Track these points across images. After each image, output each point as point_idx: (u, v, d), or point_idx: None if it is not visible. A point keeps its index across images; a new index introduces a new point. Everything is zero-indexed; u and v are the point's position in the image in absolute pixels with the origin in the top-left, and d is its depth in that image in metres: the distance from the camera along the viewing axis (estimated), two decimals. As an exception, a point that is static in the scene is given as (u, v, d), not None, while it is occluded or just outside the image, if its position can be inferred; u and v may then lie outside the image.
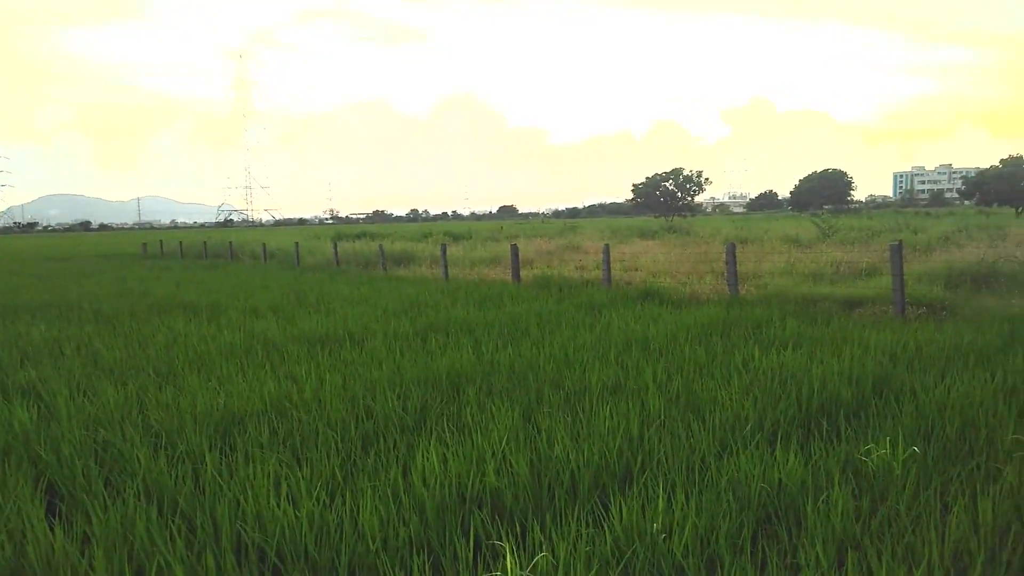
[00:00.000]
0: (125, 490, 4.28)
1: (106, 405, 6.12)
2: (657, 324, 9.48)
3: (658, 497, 3.81)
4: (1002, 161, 76.26)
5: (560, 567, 3.27)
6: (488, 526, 3.78)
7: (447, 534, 3.70)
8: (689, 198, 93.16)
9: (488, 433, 5.00)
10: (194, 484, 4.41)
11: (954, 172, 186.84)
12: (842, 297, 12.14)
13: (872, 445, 4.45)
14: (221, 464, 4.66)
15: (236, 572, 3.48)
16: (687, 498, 3.87)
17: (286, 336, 9.48)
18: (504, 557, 3.33)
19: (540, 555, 3.34)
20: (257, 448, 4.98)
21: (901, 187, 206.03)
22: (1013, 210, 70.03)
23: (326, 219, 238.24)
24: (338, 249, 26.38)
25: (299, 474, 4.41)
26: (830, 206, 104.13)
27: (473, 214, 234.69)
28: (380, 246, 25.01)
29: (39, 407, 6.20)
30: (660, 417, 5.38)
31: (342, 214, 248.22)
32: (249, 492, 4.07)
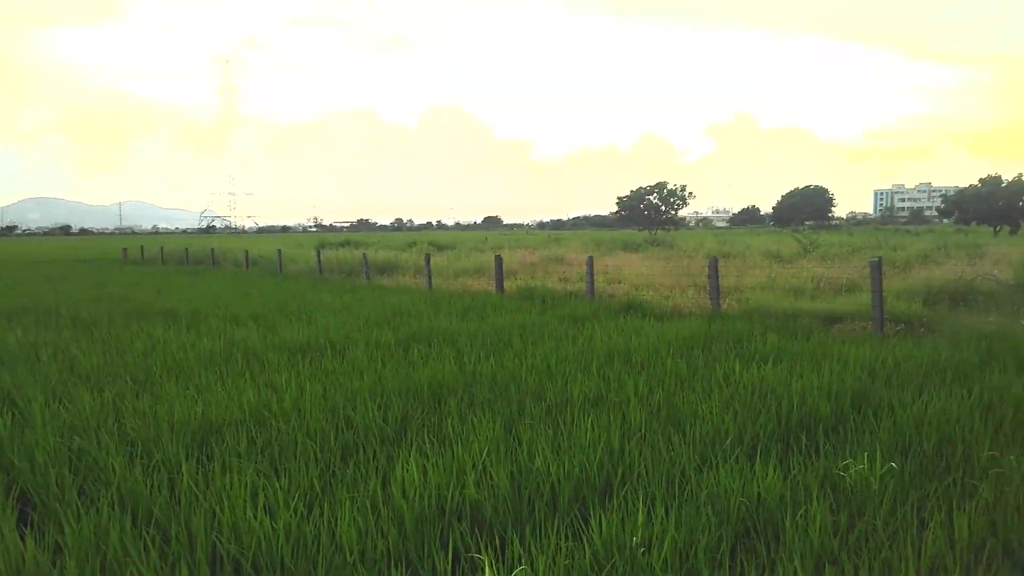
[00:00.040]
0: (99, 499, 4.22)
1: (82, 412, 6.04)
2: (639, 337, 9.51)
3: (638, 510, 3.81)
4: (981, 180, 77.50)
5: (539, 580, 3.26)
6: (467, 539, 3.76)
7: (426, 546, 3.68)
8: (673, 212, 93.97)
9: (469, 445, 4.98)
10: (170, 494, 4.36)
11: (933, 191, 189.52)
12: (822, 312, 12.23)
13: (850, 460, 4.49)
14: (198, 473, 4.60)
15: (211, 584, 3.44)
16: (667, 512, 3.88)
17: (266, 344, 9.42)
18: (483, 570, 3.32)
19: (519, 568, 3.33)
20: (235, 458, 4.92)
21: (881, 204, 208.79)
22: (991, 229, 71.09)
23: (310, 227, 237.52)
24: (321, 257, 26.27)
25: (277, 484, 4.36)
26: (811, 222, 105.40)
27: (458, 224, 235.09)
28: (364, 255, 24.95)
29: (13, 414, 6.11)
30: (641, 430, 5.39)
31: (326, 222, 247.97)
32: (225, 502, 4.02)
